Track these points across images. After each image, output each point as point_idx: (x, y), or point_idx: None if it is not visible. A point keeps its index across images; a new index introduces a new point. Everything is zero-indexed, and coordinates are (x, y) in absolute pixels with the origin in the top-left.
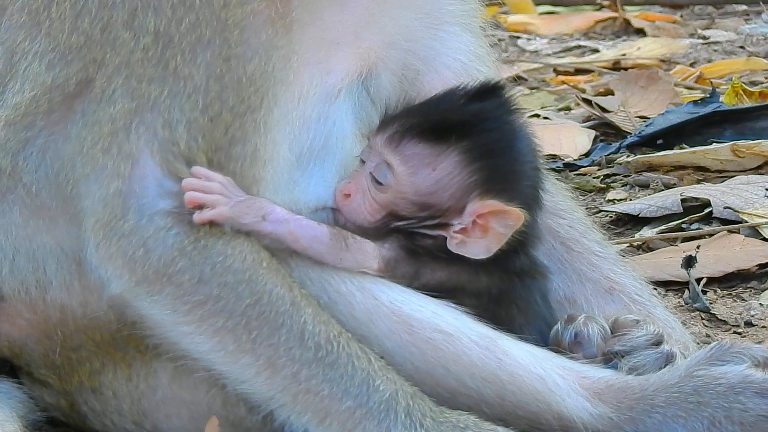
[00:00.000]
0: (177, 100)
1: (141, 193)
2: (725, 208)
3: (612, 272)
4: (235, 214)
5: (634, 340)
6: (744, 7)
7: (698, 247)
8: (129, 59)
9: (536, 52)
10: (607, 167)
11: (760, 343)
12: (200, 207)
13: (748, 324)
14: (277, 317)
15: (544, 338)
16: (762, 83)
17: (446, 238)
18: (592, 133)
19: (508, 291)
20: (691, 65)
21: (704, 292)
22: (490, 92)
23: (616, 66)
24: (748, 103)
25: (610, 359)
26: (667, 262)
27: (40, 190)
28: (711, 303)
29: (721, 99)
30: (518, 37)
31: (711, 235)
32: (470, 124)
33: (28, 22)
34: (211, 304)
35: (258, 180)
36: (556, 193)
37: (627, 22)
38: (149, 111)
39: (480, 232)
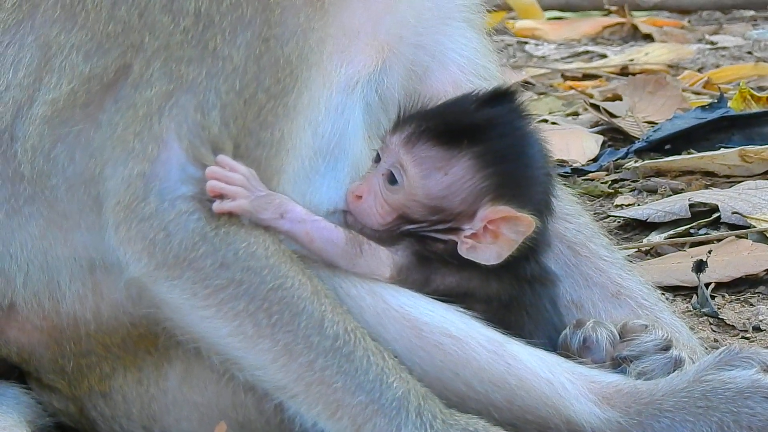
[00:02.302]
0: (214, 81)
1: (164, 177)
2: (733, 213)
3: (619, 277)
4: (255, 208)
5: (643, 344)
6: (752, 12)
7: (710, 251)
8: (168, 42)
9: (544, 57)
10: (615, 172)
11: None
12: (221, 196)
13: (757, 329)
14: (299, 302)
15: (553, 344)
16: None
17: (457, 243)
18: (600, 138)
19: (518, 297)
20: (699, 70)
21: (712, 297)
22: (502, 97)
23: (624, 71)
24: (755, 108)
25: (618, 364)
26: (675, 267)
27: (61, 196)
28: (719, 308)
29: (728, 104)
30: (526, 43)
31: (719, 240)
32: (483, 130)
33: (63, 15)
34: (233, 288)
35: (279, 171)
36: (562, 198)
37: (635, 28)
38: (185, 93)
39: (491, 238)
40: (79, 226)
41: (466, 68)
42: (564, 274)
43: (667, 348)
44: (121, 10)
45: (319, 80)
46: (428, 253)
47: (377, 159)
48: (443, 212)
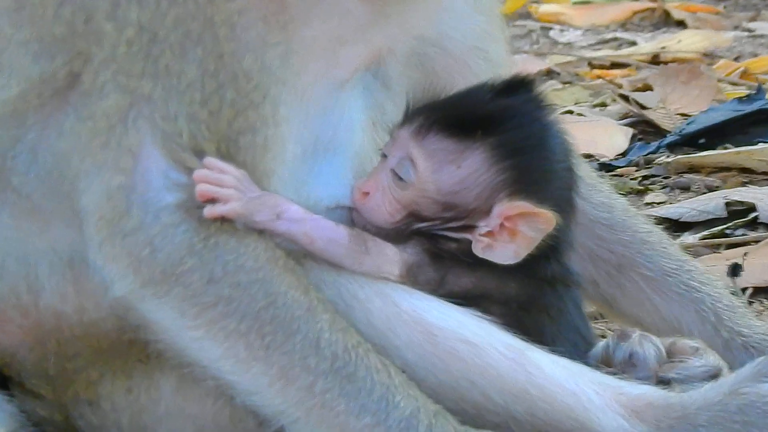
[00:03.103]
0: (173, 95)
1: (145, 187)
2: None
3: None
4: (249, 210)
5: (691, 369)
6: None
7: (746, 254)
8: (114, 53)
9: (569, 44)
10: (646, 168)
11: None
12: (211, 200)
13: None
14: (293, 322)
15: (578, 350)
16: None
17: (472, 241)
18: (630, 131)
19: (539, 299)
20: (736, 59)
21: (750, 303)
22: (519, 86)
23: (655, 60)
24: None
25: (662, 385)
26: (710, 270)
27: (31, 192)
28: (757, 315)
29: (767, 96)
30: (550, 28)
31: (757, 241)
32: (498, 120)
33: (13, 5)
34: (223, 306)
35: (269, 173)
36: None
37: (667, 13)
38: (145, 104)
39: (508, 236)
40: (55, 219)
41: (472, 55)
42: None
43: (716, 376)
44: (67, 11)
45: (294, 91)
46: (441, 252)
47: (385, 154)
48: (456, 209)
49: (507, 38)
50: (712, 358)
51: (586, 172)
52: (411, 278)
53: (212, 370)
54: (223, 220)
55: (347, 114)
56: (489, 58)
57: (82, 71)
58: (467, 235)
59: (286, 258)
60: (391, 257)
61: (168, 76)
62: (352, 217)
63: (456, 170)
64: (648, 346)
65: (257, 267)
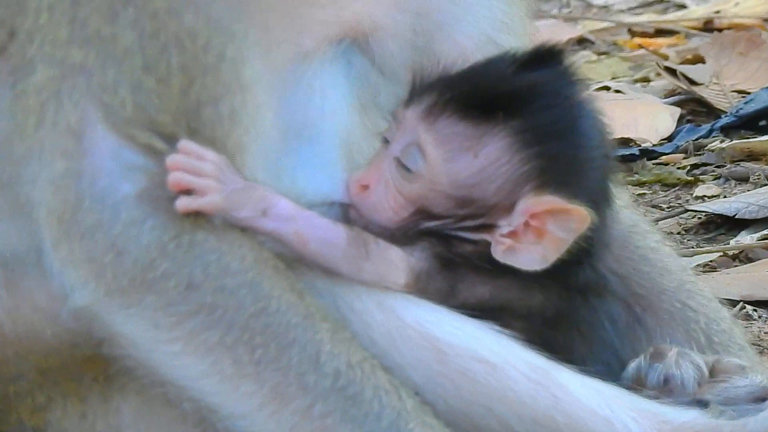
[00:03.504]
0: (109, 62)
1: (95, 173)
2: None
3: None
4: (230, 204)
5: (734, 389)
6: None
7: None
8: (37, 22)
9: (606, 7)
10: (696, 155)
11: None
12: (186, 191)
13: None
14: (288, 331)
15: (612, 372)
16: None
17: (491, 243)
18: (677, 111)
19: (568, 312)
20: None
21: None
22: (547, 59)
23: (707, 26)
24: None
25: (701, 407)
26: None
27: None
28: None
29: None
30: None
31: None
32: (523, 99)
33: None
34: (205, 314)
35: (242, 147)
36: None
37: None
38: (80, 75)
39: (534, 237)
40: None
41: (483, 45)
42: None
43: (764, 398)
44: None
45: (257, 51)
46: (454, 256)
47: (387, 139)
48: (473, 204)
49: (528, 32)
50: (760, 378)
51: None
52: (419, 288)
53: (191, 390)
54: (198, 214)
55: (326, 94)
56: (509, 29)
57: (8, 44)
58: (486, 236)
59: (275, 259)
60: (396, 263)
61: (101, 41)
62: (348, 215)
63: (473, 159)
64: (686, 366)
65: (244, 268)
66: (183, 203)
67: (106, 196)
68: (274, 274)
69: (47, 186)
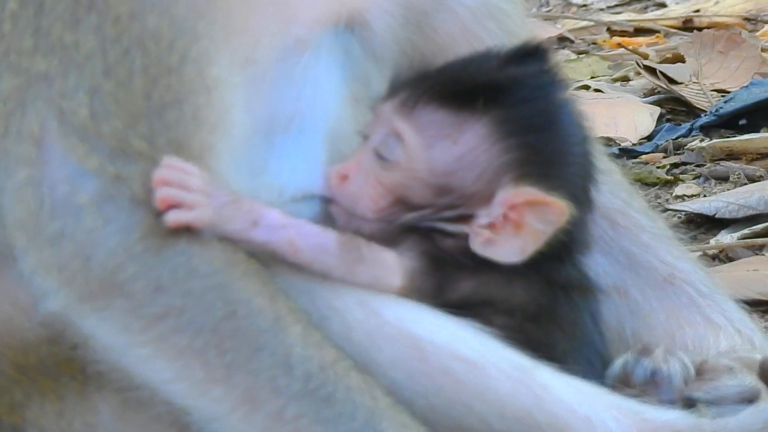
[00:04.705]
0: (71, 69)
1: (54, 180)
2: None
3: (670, 255)
4: (220, 218)
5: (723, 389)
6: None
7: None
8: (1, 32)
9: (586, 6)
10: (676, 154)
11: None
12: (173, 206)
13: None
14: (258, 336)
15: (593, 369)
16: None
17: (469, 236)
18: (657, 110)
19: (550, 308)
20: None
21: None
22: (530, 56)
23: (687, 25)
24: None
25: (688, 406)
26: (751, 275)
27: None
28: None
29: None
30: None
31: None
32: (505, 90)
33: None
34: (174, 318)
35: (208, 148)
36: None
37: None
38: (43, 83)
39: (512, 229)
40: None
41: (481, 12)
42: (600, 251)
43: (752, 399)
44: None
45: (231, 47)
46: (438, 253)
47: (367, 135)
48: (452, 194)
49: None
50: (749, 379)
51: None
52: (414, 288)
53: (164, 393)
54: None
55: (316, 84)
56: (503, 26)
57: None
58: (465, 228)
59: (248, 260)
60: (390, 264)
61: (63, 49)
62: (327, 209)
63: (452, 146)
64: (673, 363)
65: (213, 270)
66: (173, 217)
67: (67, 202)
68: (243, 277)
69: (12, 195)
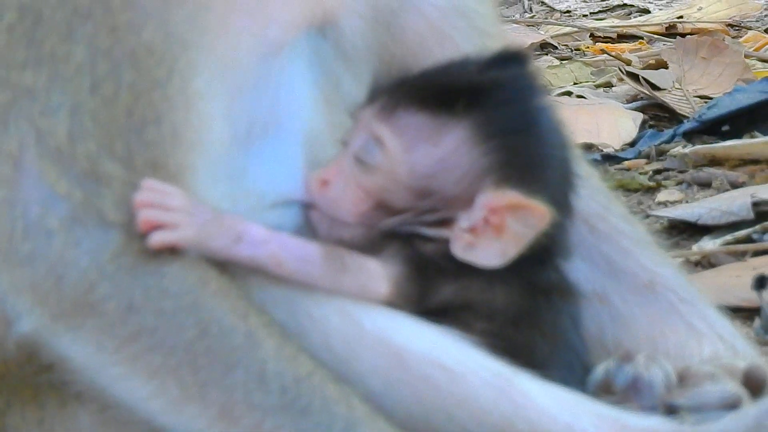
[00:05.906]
0: (57, 84)
1: (27, 201)
2: None
3: (649, 260)
4: (203, 236)
5: (705, 395)
6: None
7: None
8: None
9: (569, 12)
10: (658, 160)
11: None
12: (156, 227)
13: None
14: (231, 353)
15: (573, 374)
16: None
17: (450, 240)
18: (639, 116)
19: (531, 312)
20: (766, 31)
21: None
22: (509, 61)
23: (670, 31)
24: None
25: (670, 413)
26: (734, 282)
27: None
28: None
29: None
30: None
31: None
32: (485, 93)
33: None
34: (146, 338)
35: (185, 167)
36: None
37: None
38: (27, 99)
39: (493, 233)
40: None
41: (450, 12)
42: (580, 257)
43: (734, 405)
44: None
45: (212, 58)
46: (420, 258)
47: (346, 141)
48: (433, 197)
49: (495, 3)
50: (731, 386)
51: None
52: (400, 296)
53: (141, 412)
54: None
55: (290, 87)
56: (474, 24)
57: None
58: (446, 232)
59: (219, 278)
60: (375, 272)
61: (53, 61)
62: (307, 215)
63: (432, 148)
64: (655, 369)
65: (184, 290)
66: (157, 238)
67: (38, 224)
68: (215, 296)
69: None
